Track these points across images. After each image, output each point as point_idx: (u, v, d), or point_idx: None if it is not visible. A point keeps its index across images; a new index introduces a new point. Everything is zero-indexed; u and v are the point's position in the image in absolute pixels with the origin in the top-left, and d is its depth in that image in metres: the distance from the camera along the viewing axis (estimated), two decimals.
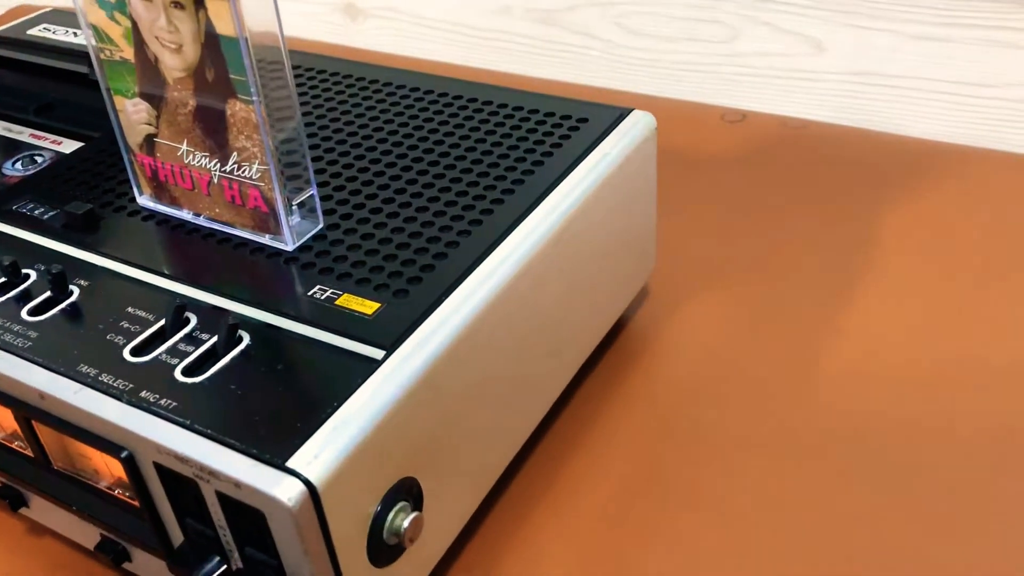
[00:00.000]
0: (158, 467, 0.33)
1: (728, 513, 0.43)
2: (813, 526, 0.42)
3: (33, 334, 0.38)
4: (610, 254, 0.47)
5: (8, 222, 0.44)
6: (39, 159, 0.54)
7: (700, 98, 0.78)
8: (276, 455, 0.31)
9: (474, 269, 0.39)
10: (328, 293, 0.38)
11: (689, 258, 0.59)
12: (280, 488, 0.30)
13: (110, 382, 0.35)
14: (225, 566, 0.34)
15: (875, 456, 0.45)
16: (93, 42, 0.40)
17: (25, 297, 0.40)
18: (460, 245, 0.40)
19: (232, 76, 0.37)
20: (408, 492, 0.35)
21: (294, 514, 0.30)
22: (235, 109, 0.38)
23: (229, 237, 0.42)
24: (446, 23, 0.86)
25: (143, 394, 0.34)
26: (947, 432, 0.46)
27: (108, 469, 0.38)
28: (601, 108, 0.49)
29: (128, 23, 0.38)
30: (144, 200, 0.44)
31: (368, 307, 0.37)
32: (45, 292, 0.40)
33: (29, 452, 0.39)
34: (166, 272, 0.40)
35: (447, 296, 0.37)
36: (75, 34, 0.63)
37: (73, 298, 0.39)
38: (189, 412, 0.33)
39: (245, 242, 0.41)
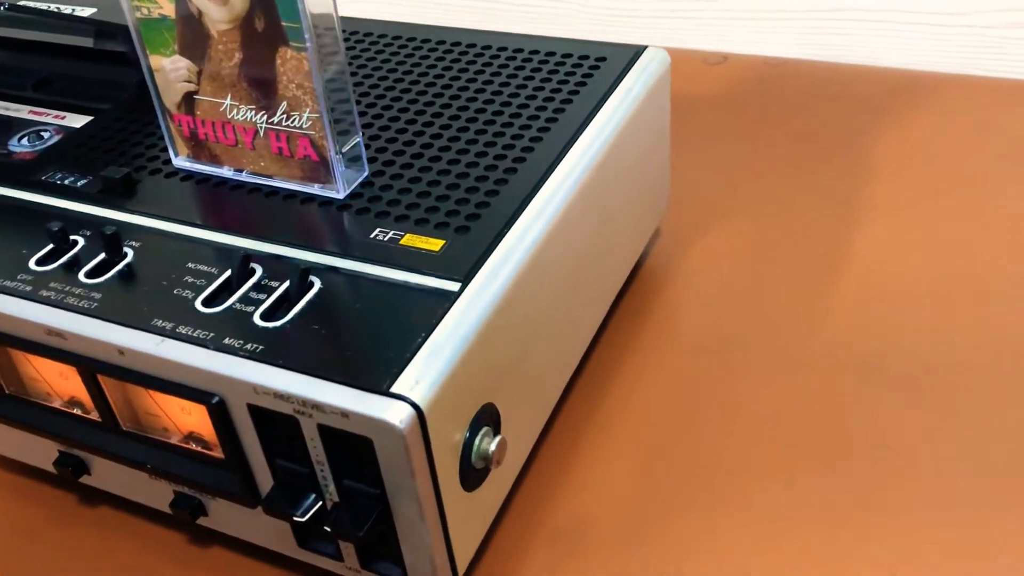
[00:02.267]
0: (252, 409, 0.34)
1: (764, 425, 0.45)
2: (833, 428, 0.45)
3: (97, 295, 0.38)
4: (636, 186, 0.49)
5: (42, 192, 0.44)
6: (45, 134, 0.53)
7: (680, 44, 0.79)
8: (379, 383, 0.32)
9: (527, 204, 0.40)
10: (391, 234, 0.39)
11: (692, 197, 0.61)
12: (390, 412, 0.31)
13: (189, 333, 0.35)
14: (320, 502, 0.35)
15: (888, 365, 0.48)
16: (129, 1, 0.40)
17: (77, 262, 0.39)
18: (509, 183, 0.41)
19: (284, 23, 0.37)
20: (489, 417, 0.36)
21: (404, 436, 0.31)
22: (286, 57, 0.38)
23: (276, 190, 0.42)
24: None
25: (226, 341, 0.35)
26: (952, 342, 0.49)
27: (179, 425, 0.38)
28: (616, 47, 0.50)
29: None
30: (180, 161, 0.44)
31: (433, 244, 0.38)
32: (98, 255, 0.39)
33: (94, 416, 0.40)
34: (218, 227, 0.40)
35: (507, 230, 0.38)
36: (58, 8, 0.62)
37: (129, 259, 0.39)
38: (278, 353, 0.34)
39: (293, 194, 0.42)
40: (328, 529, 0.34)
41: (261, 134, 0.41)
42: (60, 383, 0.40)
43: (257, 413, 0.34)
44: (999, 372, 0.47)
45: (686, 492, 0.43)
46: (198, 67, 0.40)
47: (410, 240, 0.38)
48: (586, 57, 0.50)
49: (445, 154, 0.43)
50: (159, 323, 0.36)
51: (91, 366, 0.37)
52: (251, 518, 0.39)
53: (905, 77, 0.70)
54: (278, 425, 0.34)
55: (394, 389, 0.32)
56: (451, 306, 0.35)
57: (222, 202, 0.42)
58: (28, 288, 0.38)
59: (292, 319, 0.35)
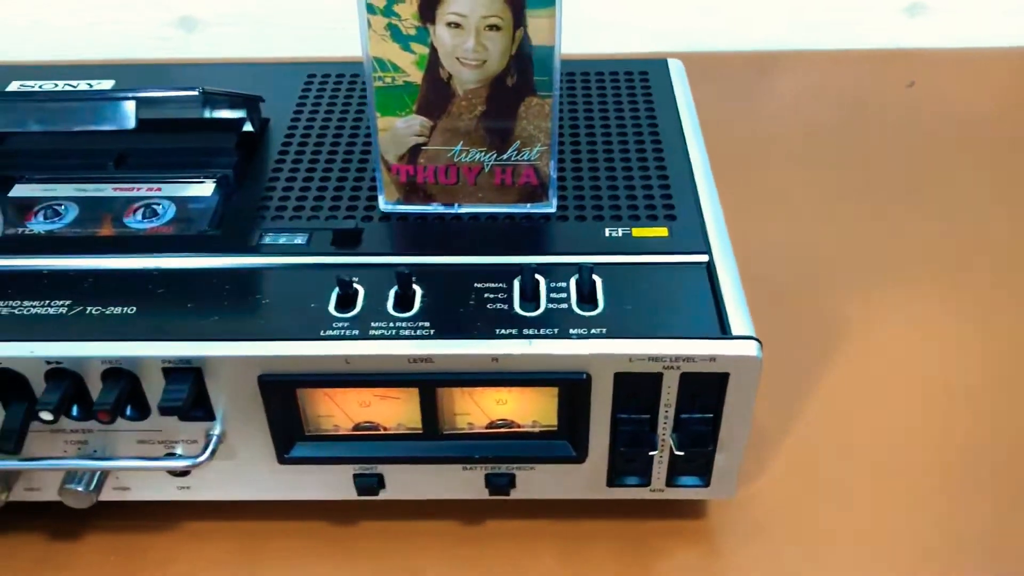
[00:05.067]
0: (618, 376, 0.43)
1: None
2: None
3: (425, 323, 0.44)
4: None
5: (275, 254, 0.48)
6: (159, 208, 0.55)
7: None
8: (723, 331, 0.43)
9: (696, 192, 0.52)
10: (620, 231, 0.49)
11: None
12: (749, 348, 0.42)
13: (537, 332, 0.43)
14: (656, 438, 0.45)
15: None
16: (370, 72, 0.46)
17: (377, 302, 0.45)
18: (669, 179, 0.53)
19: (536, 78, 0.46)
20: None
21: (760, 364, 0.43)
22: (530, 105, 0.47)
23: (493, 215, 0.50)
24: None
25: (572, 331, 0.44)
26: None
27: (489, 416, 0.46)
28: (645, 62, 0.63)
29: (425, 50, 0.45)
30: (388, 205, 0.50)
31: (661, 232, 0.49)
32: (388, 293, 0.46)
33: (400, 431, 0.46)
34: (470, 251, 0.48)
35: (701, 214, 0.50)
36: (90, 84, 0.62)
37: (421, 290, 0.46)
38: (624, 330, 0.43)
39: (510, 215, 0.50)
40: (681, 453, 0.45)
41: (486, 170, 0.49)
42: (357, 411, 0.46)
43: (620, 379, 0.43)
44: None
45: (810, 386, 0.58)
46: (432, 122, 0.47)
47: (639, 232, 0.49)
48: (630, 72, 0.62)
49: (595, 163, 0.54)
50: (504, 331, 0.44)
51: (437, 381, 0.44)
52: (562, 476, 0.47)
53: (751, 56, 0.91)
54: (634, 384, 0.44)
55: (736, 333, 0.43)
56: (715, 270, 0.47)
57: (453, 232, 0.49)
58: (356, 331, 0.44)
59: (605, 306, 0.45)
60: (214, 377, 0.43)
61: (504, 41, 0.45)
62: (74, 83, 0.62)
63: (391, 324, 0.44)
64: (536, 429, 0.46)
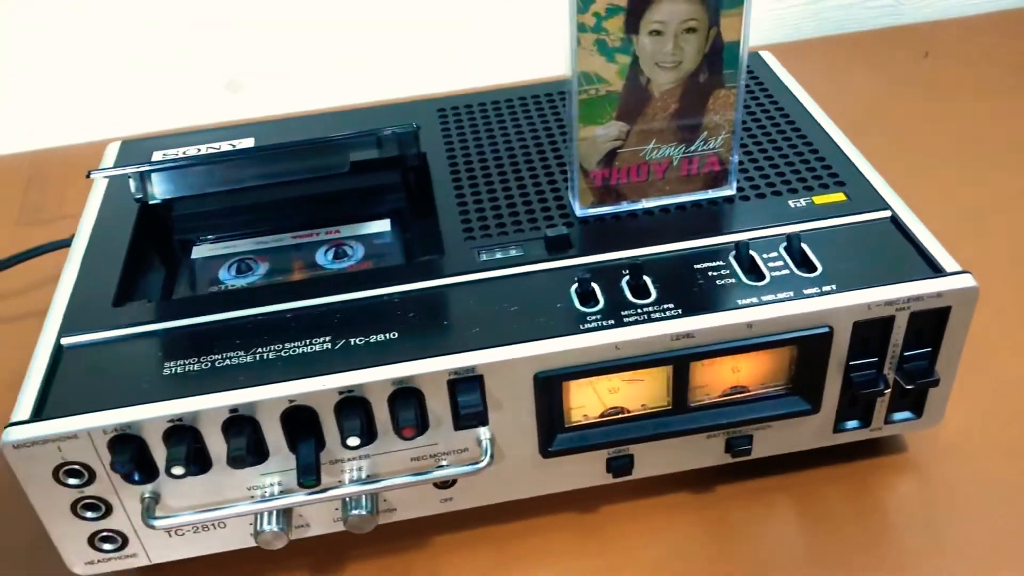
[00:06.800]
0: (856, 325, 0.48)
1: None
2: None
3: (668, 305, 0.48)
4: None
5: (499, 267, 0.51)
6: (347, 248, 0.58)
7: None
8: (940, 271, 0.48)
9: (848, 159, 0.57)
10: (802, 201, 0.54)
11: None
12: (967, 280, 0.48)
13: (773, 298, 0.48)
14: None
15: None
16: (576, 87, 0.50)
17: (616, 294, 0.49)
18: (819, 152, 0.58)
19: (725, 71, 0.50)
20: None
21: (977, 293, 0.48)
22: (718, 97, 0.51)
23: (681, 205, 0.54)
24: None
25: (805, 291, 0.48)
26: None
27: (724, 385, 0.50)
28: None
29: (627, 59, 0.49)
30: (583, 210, 0.54)
31: (839, 197, 0.54)
32: (618, 283, 0.49)
33: (644, 411, 0.49)
34: (676, 238, 0.52)
35: (865, 177, 0.55)
36: (231, 145, 0.64)
37: (650, 279, 0.49)
38: (849, 283, 0.48)
39: (695, 203, 0.54)
40: (911, 387, 0.49)
41: (674, 163, 0.53)
42: (606, 398, 0.49)
43: (859, 327, 0.48)
44: None
45: None
46: (628, 126, 0.51)
47: (820, 200, 0.54)
48: None
49: (747, 148, 0.59)
50: (743, 301, 0.48)
51: (692, 356, 0.47)
52: (793, 429, 0.52)
53: None
54: (865, 332, 0.48)
55: (949, 270, 0.48)
56: (902, 221, 0.52)
57: (650, 225, 0.53)
58: (612, 320, 0.47)
59: (823, 268, 0.49)
60: (494, 382, 0.46)
61: (699, 41, 0.49)
62: (216, 145, 0.65)
63: (640, 310, 0.48)
64: (767, 391, 0.51)
